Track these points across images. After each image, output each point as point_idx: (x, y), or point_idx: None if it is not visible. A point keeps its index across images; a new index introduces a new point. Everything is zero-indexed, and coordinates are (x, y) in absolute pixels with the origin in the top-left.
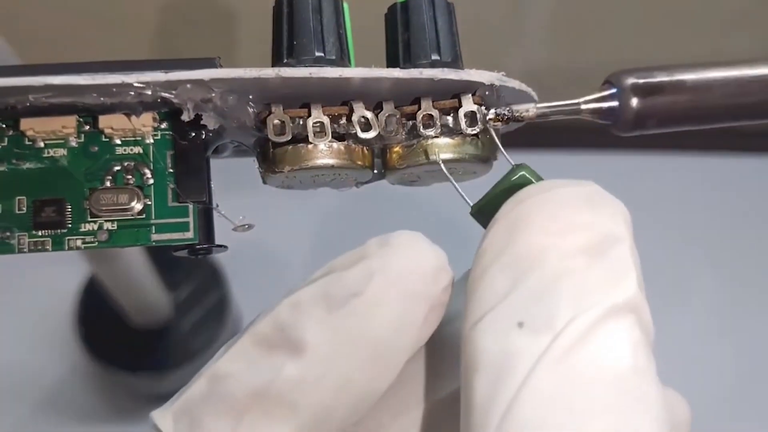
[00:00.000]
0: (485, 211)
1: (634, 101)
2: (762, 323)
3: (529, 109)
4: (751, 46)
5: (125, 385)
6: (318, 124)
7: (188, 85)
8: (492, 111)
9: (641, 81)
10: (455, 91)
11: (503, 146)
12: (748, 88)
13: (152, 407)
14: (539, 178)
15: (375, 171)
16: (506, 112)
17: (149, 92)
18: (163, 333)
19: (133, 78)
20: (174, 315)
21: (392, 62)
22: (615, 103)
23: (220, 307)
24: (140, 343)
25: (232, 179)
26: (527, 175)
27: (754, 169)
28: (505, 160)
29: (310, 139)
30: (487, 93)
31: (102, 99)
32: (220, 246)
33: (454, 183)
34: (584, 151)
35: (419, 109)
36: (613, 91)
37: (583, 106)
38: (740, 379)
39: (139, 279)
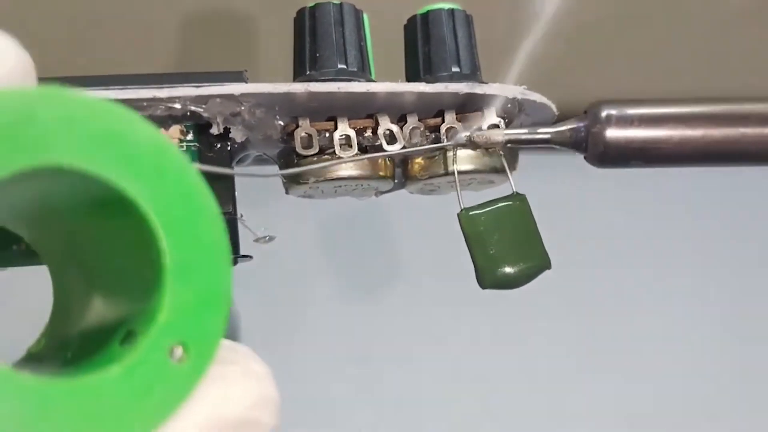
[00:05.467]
0: (472, 220)
1: (607, 132)
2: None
3: (497, 136)
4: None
5: None
6: (344, 137)
7: (218, 100)
8: (461, 135)
9: (615, 112)
10: (478, 105)
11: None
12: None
13: None
14: (529, 208)
15: (395, 181)
16: (467, 140)
17: (179, 106)
18: None
19: (165, 93)
20: None
21: (412, 73)
22: (583, 133)
23: None
24: None
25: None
26: (520, 203)
27: (752, 177)
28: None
29: (337, 152)
30: (509, 106)
31: None
32: (245, 256)
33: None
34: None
35: (443, 122)
36: (585, 122)
37: (553, 136)
38: (740, 381)
39: None
